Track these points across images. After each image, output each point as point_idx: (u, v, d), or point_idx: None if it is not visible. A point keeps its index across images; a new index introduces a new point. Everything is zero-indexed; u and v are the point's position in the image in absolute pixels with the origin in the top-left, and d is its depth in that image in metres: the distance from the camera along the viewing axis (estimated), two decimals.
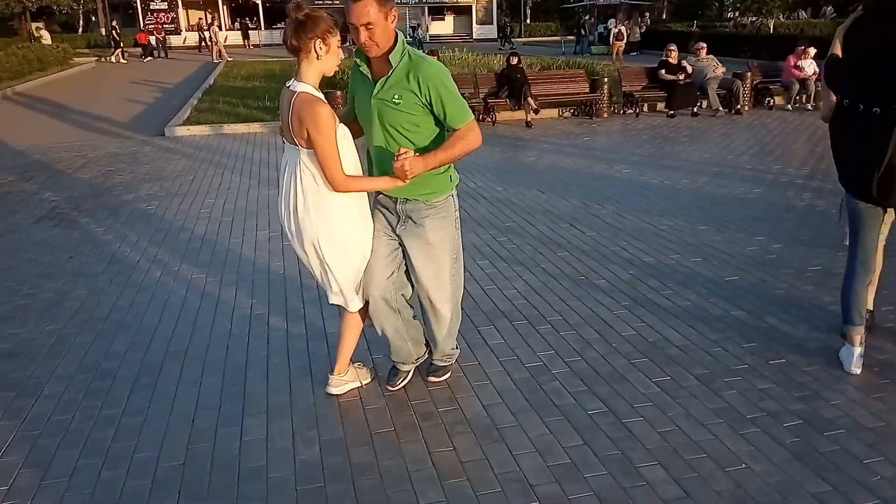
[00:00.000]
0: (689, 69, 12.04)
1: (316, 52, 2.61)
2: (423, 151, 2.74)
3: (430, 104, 2.69)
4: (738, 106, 12.05)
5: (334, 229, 2.80)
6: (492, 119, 11.64)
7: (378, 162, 2.87)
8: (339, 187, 2.68)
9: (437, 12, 44.30)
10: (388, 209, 2.96)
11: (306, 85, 2.63)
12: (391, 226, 2.97)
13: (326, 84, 2.26)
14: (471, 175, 7.73)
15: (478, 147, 2.77)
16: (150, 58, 30.21)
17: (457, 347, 3.38)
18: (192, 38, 39.65)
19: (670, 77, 11.98)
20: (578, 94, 12.12)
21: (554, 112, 12.26)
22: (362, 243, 2.92)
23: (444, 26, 43.84)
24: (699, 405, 3.06)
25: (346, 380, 3.26)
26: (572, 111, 12.40)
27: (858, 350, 3.29)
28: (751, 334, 3.73)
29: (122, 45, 29.07)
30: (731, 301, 4.17)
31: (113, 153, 9.57)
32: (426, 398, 3.20)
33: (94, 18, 45.06)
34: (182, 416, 3.11)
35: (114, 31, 29.92)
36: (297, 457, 2.79)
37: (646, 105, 12.61)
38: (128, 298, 4.48)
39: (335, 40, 2.64)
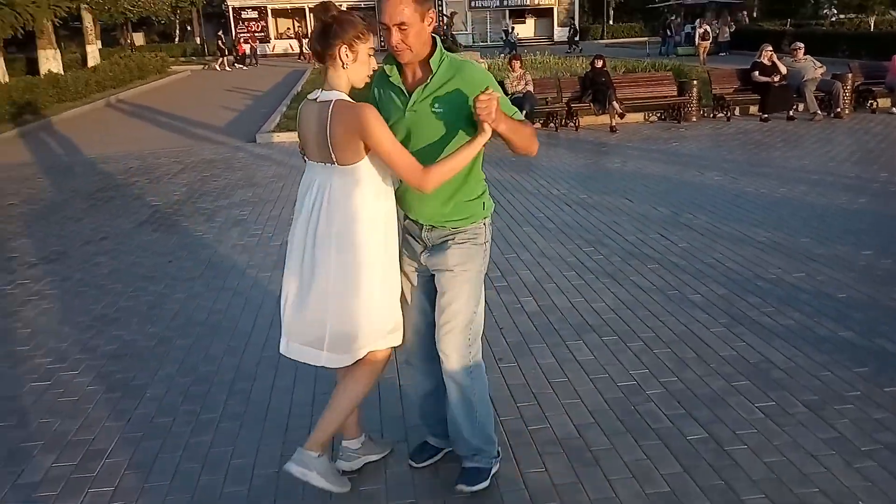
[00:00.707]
0: (784, 70, 11.50)
1: (341, 59, 2.28)
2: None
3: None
4: (838, 109, 11.41)
5: (359, 266, 2.37)
6: (575, 124, 11.47)
7: (409, 188, 2.43)
8: (427, 183, 2.26)
9: (518, 15, 44.11)
10: (413, 237, 2.58)
11: (339, 93, 2.31)
12: (418, 258, 2.56)
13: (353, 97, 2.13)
14: (554, 181, 7.62)
15: (534, 152, 2.46)
16: (241, 66, 31.38)
17: (498, 451, 2.73)
18: (280, 45, 40.99)
19: (764, 79, 11.47)
20: (666, 97, 11.79)
21: (639, 116, 11.96)
22: (388, 282, 2.48)
23: (524, 29, 43.57)
24: (808, 434, 2.88)
25: (361, 453, 2.79)
26: (659, 115, 12.06)
27: None
28: (862, 357, 3.50)
29: (226, 53, 30.41)
30: (838, 320, 3.93)
31: (208, 159, 9.96)
32: (515, 414, 3.15)
33: (188, 28, 47.24)
34: (276, 423, 3.18)
35: (219, 41, 31.37)
36: (387, 469, 2.80)
37: (737, 108, 12.12)
38: (223, 303, 4.63)
39: (365, 47, 2.30)
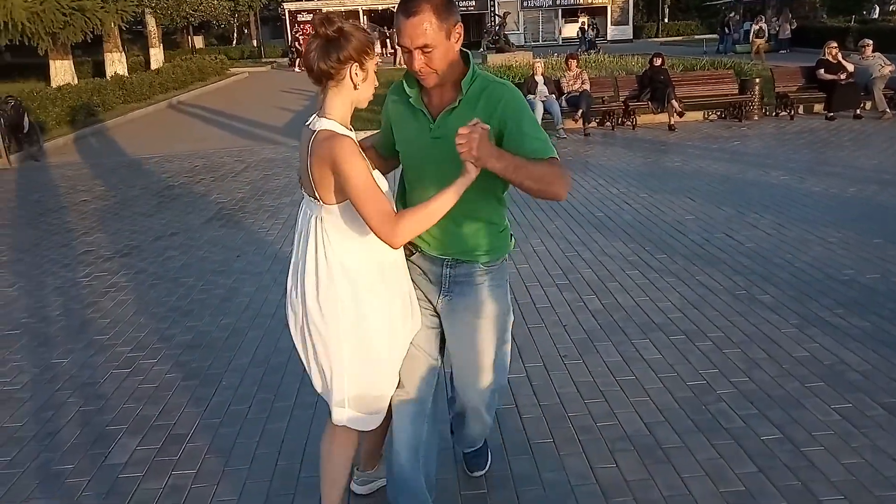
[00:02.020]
0: (851, 67, 11.13)
1: (352, 79, 1.97)
2: (487, 197, 2.12)
3: (503, 136, 2.00)
4: None
5: (360, 318, 2.06)
6: (632, 123, 11.33)
7: None
8: (397, 236, 1.90)
9: (571, 14, 43.70)
10: (427, 276, 2.22)
11: (331, 121, 1.99)
12: (431, 301, 2.24)
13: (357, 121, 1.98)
14: (612, 180, 7.56)
15: (560, 196, 1.98)
16: (297, 68, 32.02)
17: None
18: None
19: (830, 76, 11.13)
20: (726, 95, 11.54)
21: (698, 115, 11.74)
22: (396, 343, 2.16)
23: (573, 29, 43.14)
24: (888, 437, 2.81)
25: None
26: (719, 114, 11.82)
27: None
28: None
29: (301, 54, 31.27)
30: None
31: (269, 158, 10.20)
32: (583, 411, 3.16)
33: (245, 31, 48.36)
34: None
35: (296, 43, 32.25)
36: (457, 462, 2.84)
37: (801, 107, 11.79)
38: None
39: (373, 62, 2.01)
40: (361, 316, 2.05)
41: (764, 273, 4.67)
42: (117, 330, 4.36)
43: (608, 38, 41.73)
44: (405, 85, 2.11)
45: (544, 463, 2.79)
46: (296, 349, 2.21)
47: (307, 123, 2.06)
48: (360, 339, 2.06)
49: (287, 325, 2.21)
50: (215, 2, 31.56)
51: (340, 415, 2.16)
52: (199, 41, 42.79)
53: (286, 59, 33.37)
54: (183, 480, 2.83)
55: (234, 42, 46.48)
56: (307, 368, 2.20)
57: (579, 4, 43.58)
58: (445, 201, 1.92)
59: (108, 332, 4.34)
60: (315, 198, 2.01)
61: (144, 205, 7.68)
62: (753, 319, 3.98)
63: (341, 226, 2.02)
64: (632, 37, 42.09)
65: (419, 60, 1.96)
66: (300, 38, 36.95)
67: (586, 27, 33.30)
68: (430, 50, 1.93)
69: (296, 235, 2.13)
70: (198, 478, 2.85)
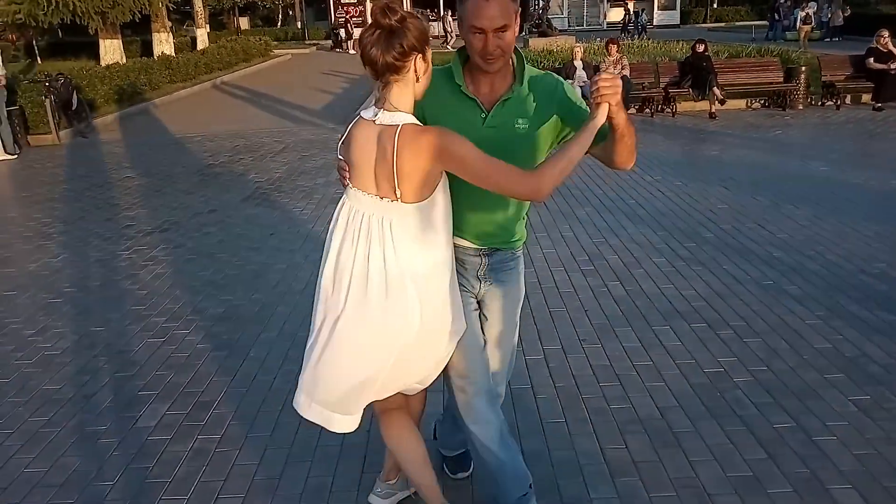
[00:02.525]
0: None
1: (416, 71, 1.88)
2: None
3: (564, 121, 2.05)
4: None
5: (438, 312, 2.00)
6: (672, 110, 11.17)
7: (468, 205, 2.07)
8: (544, 187, 1.85)
9: None
10: (466, 267, 2.19)
11: (406, 115, 1.89)
12: (471, 291, 2.22)
13: None
14: (647, 168, 7.49)
15: (631, 165, 2.04)
16: (339, 49, 32.22)
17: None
18: None
19: (879, 66, 10.79)
20: (771, 83, 11.29)
21: (741, 103, 11.51)
22: (451, 345, 2.12)
23: (618, 14, 42.39)
24: None
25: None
26: (762, 102, 11.57)
27: None
28: None
29: (352, 37, 31.55)
30: None
31: (307, 139, 10.36)
32: (598, 394, 3.20)
33: (290, 13, 48.74)
34: None
35: (348, 24, 32.47)
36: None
37: (848, 97, 11.46)
38: None
39: (430, 53, 1.91)
40: (427, 324, 1.97)
41: (794, 264, 4.62)
42: (153, 301, 4.53)
43: (654, 23, 40.93)
44: (453, 73, 2.03)
45: (555, 442, 2.85)
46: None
47: (367, 116, 1.94)
48: (422, 343, 1.99)
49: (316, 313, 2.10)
50: None
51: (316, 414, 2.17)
52: (244, 22, 43.26)
53: (329, 42, 33.59)
54: (208, 444, 2.97)
55: (279, 23, 46.89)
56: (309, 363, 2.11)
57: None
58: (581, 148, 1.87)
59: (145, 303, 4.52)
60: (393, 197, 1.87)
61: (185, 182, 7.90)
62: (778, 310, 3.95)
63: (412, 228, 1.91)
64: (678, 22, 41.17)
65: (493, 42, 1.88)
66: (345, 20, 37.11)
67: (631, 11, 32.48)
68: (505, 31, 1.88)
69: (337, 233, 1.98)
70: (222, 442, 2.98)
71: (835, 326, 3.72)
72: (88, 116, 11.98)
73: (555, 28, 20.82)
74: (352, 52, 30.26)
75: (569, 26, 38.86)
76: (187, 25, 30.96)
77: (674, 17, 42.54)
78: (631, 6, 35.25)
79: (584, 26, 39.55)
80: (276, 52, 29.61)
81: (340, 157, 2.03)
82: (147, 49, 23.90)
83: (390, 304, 1.91)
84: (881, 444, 2.71)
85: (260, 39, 28.72)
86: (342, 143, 2.02)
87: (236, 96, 16.51)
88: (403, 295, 1.91)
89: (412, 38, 1.82)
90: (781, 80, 11.25)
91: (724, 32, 30.33)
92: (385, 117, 1.88)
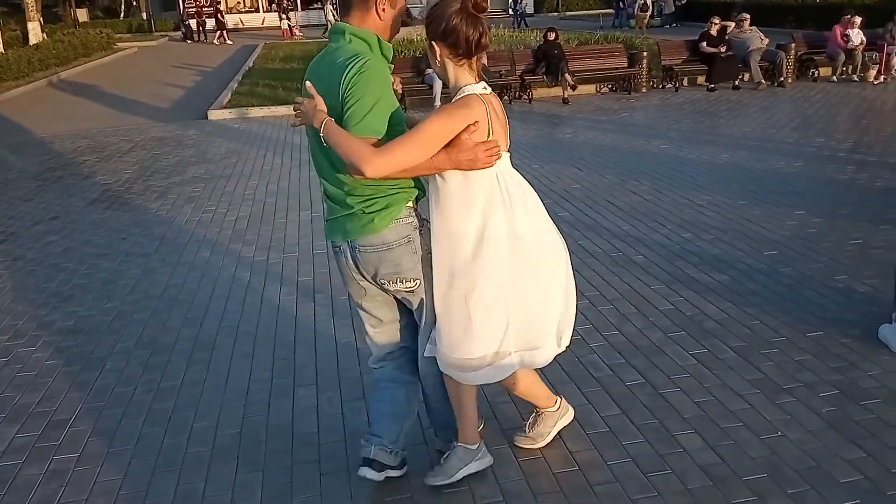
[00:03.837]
0: (731, 27, 11.84)
1: None
2: None
3: None
4: (781, 78, 11.79)
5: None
6: (528, 96, 11.61)
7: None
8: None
9: None
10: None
11: None
12: None
13: None
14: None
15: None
16: (190, 41, 30.70)
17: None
18: (231, 21, 39.94)
19: (711, 50, 11.77)
20: (616, 69, 12.00)
21: (591, 88, 12.16)
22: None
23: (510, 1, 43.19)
24: (736, 376, 3.12)
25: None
26: (610, 87, 12.28)
27: None
28: (788, 308, 3.75)
29: (225, 26, 30.02)
30: (769, 276, 4.18)
31: (158, 137, 9.84)
32: None
33: (134, 3, 45.78)
34: (237, 388, 3.28)
35: (219, 14, 30.76)
36: (346, 425, 2.94)
37: (686, 79, 12.41)
38: (179, 277, 4.68)
39: None
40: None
41: (639, 236, 4.98)
42: None
43: (509, 13, 42.08)
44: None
45: (427, 420, 2.92)
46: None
47: (484, 91, 2.20)
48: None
49: None
50: None
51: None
52: (82, 14, 40.17)
53: (179, 33, 31.91)
54: (65, 465, 2.79)
55: (122, 15, 43.93)
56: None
57: None
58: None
59: None
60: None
61: (22, 188, 7.28)
62: (627, 278, 4.26)
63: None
64: (533, 11, 42.62)
65: None
66: (195, 10, 35.34)
67: (519, 1, 33.19)
68: None
69: (515, 196, 2.25)
70: (80, 461, 2.82)
71: (675, 289, 4.06)
72: None
73: (414, 17, 20.93)
74: (219, 42, 28.92)
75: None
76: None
77: (528, 5, 43.86)
78: None
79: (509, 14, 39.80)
80: (121, 45, 27.78)
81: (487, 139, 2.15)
82: None
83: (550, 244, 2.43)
84: (717, 391, 3.01)
85: (101, 32, 26.79)
86: (496, 117, 2.18)
87: (77, 94, 15.35)
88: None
89: None
90: (626, 65, 11.99)
91: (574, 21, 31.81)
92: (487, 87, 2.21)
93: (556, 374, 3.21)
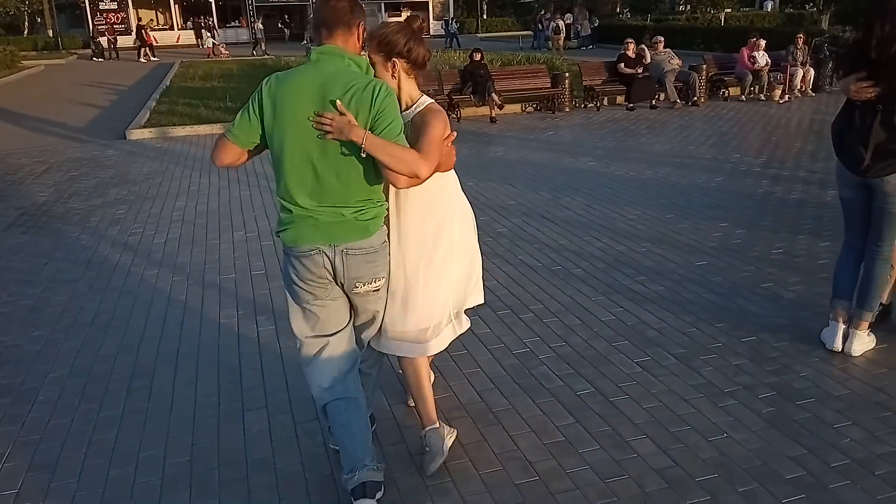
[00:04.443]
0: (648, 59, 12.39)
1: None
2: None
3: None
4: (695, 98, 12.41)
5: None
6: (456, 115, 11.77)
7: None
8: None
9: (394, 8, 44.12)
10: None
11: None
12: None
13: None
14: None
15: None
16: (101, 59, 29.58)
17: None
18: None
19: (629, 70, 12.27)
20: (541, 88, 12.33)
21: (517, 107, 12.45)
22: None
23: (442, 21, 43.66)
24: (680, 382, 3.24)
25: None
26: (535, 106, 12.60)
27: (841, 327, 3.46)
28: (722, 315, 3.94)
29: (151, 43, 29.14)
30: (701, 285, 4.38)
31: (74, 158, 9.42)
32: None
33: (39, 20, 43.77)
34: (182, 414, 3.17)
35: (143, 31, 29.61)
36: (301, 447, 2.88)
37: (606, 98, 12.88)
38: (110, 303, 4.48)
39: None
40: None
41: (576, 249, 5.12)
42: None
43: (431, 33, 42.66)
44: None
45: (386, 437, 2.91)
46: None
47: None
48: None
49: None
50: None
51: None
52: None
53: (89, 50, 30.69)
54: (4, 502, 2.62)
55: (26, 32, 41.89)
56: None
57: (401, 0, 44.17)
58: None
59: None
60: None
61: None
62: (568, 291, 4.37)
63: None
64: (443, 33, 43.26)
65: None
66: (105, 27, 34.14)
67: (451, 21, 34.18)
68: None
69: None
70: (21, 496, 2.65)
71: (615, 300, 4.20)
72: None
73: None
74: (153, 59, 28.02)
75: None
76: None
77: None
78: (410, 16, 36.58)
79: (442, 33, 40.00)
80: (26, 62, 26.49)
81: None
82: None
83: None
84: (664, 396, 3.13)
85: (4, 50, 25.47)
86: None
87: None
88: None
89: None
90: (549, 85, 12.34)
91: (495, 42, 32.50)
92: None
93: (508, 387, 3.26)
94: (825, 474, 2.58)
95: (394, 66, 2.43)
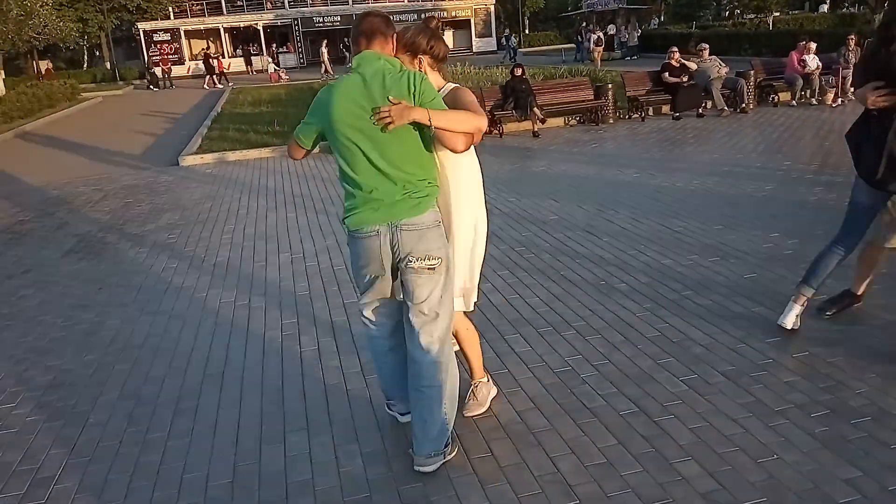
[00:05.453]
0: (694, 66, 12.18)
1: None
2: None
3: None
4: (743, 104, 12.13)
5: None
6: (499, 131, 11.77)
7: None
8: None
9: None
10: None
11: None
12: None
13: None
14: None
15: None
16: (157, 88, 30.70)
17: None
18: (197, 67, 40.10)
19: (674, 79, 12.09)
20: (584, 101, 12.25)
21: (560, 121, 12.38)
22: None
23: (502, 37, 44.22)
24: (728, 401, 3.13)
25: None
26: (578, 119, 12.51)
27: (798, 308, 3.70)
28: (774, 329, 3.80)
29: (214, 71, 30.54)
30: (751, 298, 4.25)
31: (130, 185, 9.76)
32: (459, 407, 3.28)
33: (97, 53, 45.72)
34: (226, 436, 3.22)
35: (209, 59, 31.04)
36: (340, 469, 2.89)
37: (651, 109, 12.70)
38: (160, 326, 4.60)
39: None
40: None
41: (619, 263, 5.03)
42: None
43: (473, 51, 42.96)
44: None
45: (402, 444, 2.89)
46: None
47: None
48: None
49: None
50: (62, 24, 29.54)
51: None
52: (45, 65, 40.00)
53: (145, 81, 31.91)
54: None
55: (86, 65, 43.80)
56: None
57: (443, 18, 44.60)
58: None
59: None
60: None
61: None
62: (612, 307, 4.28)
63: None
64: (496, 48, 43.53)
65: None
66: (160, 59, 35.43)
67: (510, 36, 36.09)
68: None
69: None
70: None
71: (661, 316, 4.10)
72: None
73: None
74: (218, 86, 29.14)
75: None
76: None
77: (491, 43, 44.92)
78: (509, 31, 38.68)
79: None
80: (86, 94, 27.67)
81: None
82: None
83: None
84: (711, 416, 3.02)
85: (65, 83, 26.67)
86: None
87: (44, 145, 15.20)
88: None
89: None
90: (592, 97, 12.25)
91: (537, 56, 32.48)
92: None
93: (549, 407, 3.20)
94: (882, 498, 2.44)
95: (420, 63, 2.81)
